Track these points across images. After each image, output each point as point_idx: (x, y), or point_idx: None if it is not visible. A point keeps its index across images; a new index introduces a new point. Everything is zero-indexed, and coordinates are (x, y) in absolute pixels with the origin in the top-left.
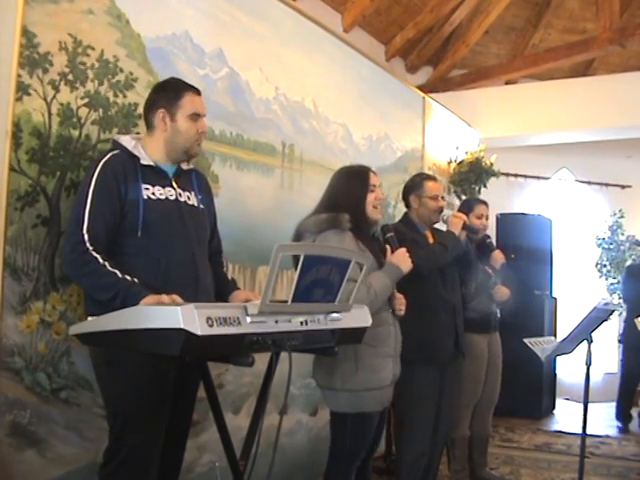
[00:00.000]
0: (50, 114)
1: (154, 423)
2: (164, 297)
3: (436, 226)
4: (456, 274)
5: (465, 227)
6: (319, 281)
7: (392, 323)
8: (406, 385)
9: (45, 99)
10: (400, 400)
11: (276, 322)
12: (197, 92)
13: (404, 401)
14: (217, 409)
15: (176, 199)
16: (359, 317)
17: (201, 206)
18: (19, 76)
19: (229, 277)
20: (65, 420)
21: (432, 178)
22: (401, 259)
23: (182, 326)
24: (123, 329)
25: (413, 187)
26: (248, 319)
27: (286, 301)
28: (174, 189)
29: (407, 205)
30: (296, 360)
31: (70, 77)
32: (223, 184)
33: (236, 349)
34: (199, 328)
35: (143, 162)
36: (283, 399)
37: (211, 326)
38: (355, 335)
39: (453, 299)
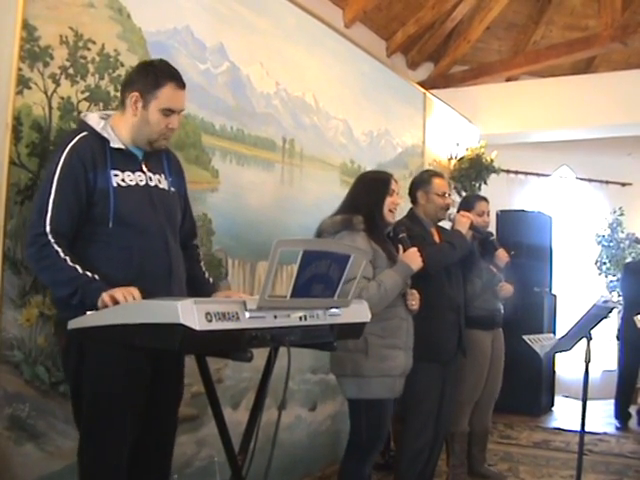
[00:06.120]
0: (50, 108)
1: (123, 422)
2: (117, 293)
3: (442, 224)
4: (460, 273)
5: (472, 227)
6: (318, 276)
7: (405, 318)
8: (410, 381)
9: (46, 93)
10: (403, 396)
11: (275, 317)
12: (180, 84)
13: (407, 397)
14: (216, 404)
15: (146, 184)
16: (358, 312)
17: (172, 189)
18: (20, 69)
19: (206, 275)
20: (64, 414)
21: (440, 175)
22: (412, 258)
23: (181, 321)
24: (121, 324)
25: (421, 183)
26: (247, 314)
27: (285, 296)
28: (144, 173)
29: (413, 201)
30: (295, 355)
31: (71, 71)
32: (223, 179)
33: (235, 344)
34: (197, 323)
35: (113, 145)
36: (282, 394)
37: (210, 321)
38: (354, 330)
39: (458, 298)
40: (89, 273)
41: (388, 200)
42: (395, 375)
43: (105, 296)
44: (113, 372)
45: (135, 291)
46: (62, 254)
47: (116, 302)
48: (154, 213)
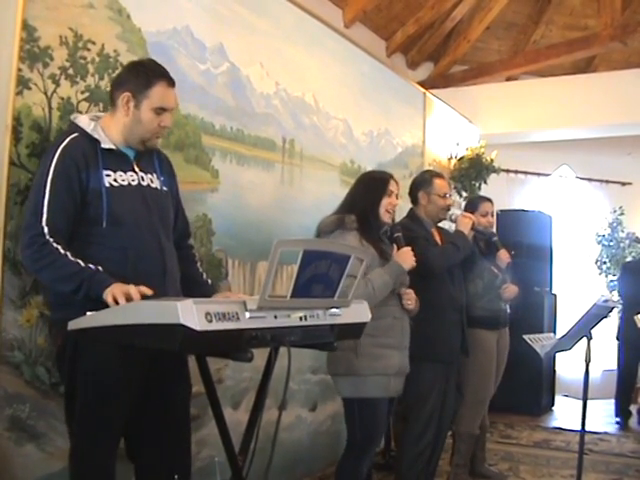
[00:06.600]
0: (50, 108)
1: (115, 424)
2: (132, 288)
3: (444, 225)
4: (461, 273)
5: (474, 228)
6: (318, 276)
7: (399, 317)
8: (413, 382)
9: (45, 93)
10: (406, 396)
11: (275, 317)
12: (170, 83)
13: (410, 398)
14: (216, 404)
15: (138, 184)
16: (358, 312)
17: (164, 188)
18: (19, 70)
19: (204, 276)
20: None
21: (441, 176)
22: (404, 257)
23: (181, 321)
24: (122, 324)
25: (422, 184)
26: (247, 314)
27: (285, 296)
28: (136, 173)
29: (414, 201)
30: (295, 355)
31: (70, 71)
32: (223, 179)
33: (235, 344)
34: (198, 323)
35: (104, 146)
36: (282, 394)
37: (210, 321)
38: (354, 330)
39: (460, 298)
40: (92, 265)
41: (385, 200)
42: (390, 374)
43: (116, 290)
44: (107, 374)
45: (147, 291)
46: (62, 250)
47: (128, 298)
48: (147, 213)
